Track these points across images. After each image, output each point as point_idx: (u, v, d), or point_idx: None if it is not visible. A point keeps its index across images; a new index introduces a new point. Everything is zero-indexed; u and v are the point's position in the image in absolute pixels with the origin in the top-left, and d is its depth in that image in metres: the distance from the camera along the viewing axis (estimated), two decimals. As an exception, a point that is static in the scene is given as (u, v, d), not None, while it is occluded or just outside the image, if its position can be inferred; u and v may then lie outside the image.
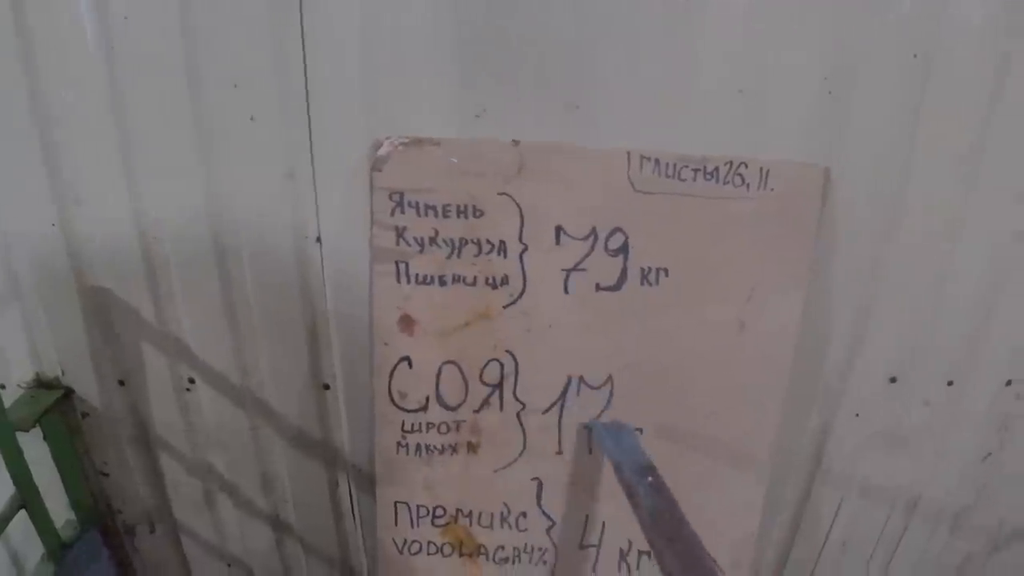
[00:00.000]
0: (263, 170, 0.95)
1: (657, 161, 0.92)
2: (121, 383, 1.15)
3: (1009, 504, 1.42)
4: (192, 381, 1.13)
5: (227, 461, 1.22)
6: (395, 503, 1.06)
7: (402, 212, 0.91)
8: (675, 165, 0.93)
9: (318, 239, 0.99)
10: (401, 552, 1.09)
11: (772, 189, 0.96)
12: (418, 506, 1.06)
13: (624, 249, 0.95)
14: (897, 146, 0.97)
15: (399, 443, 1.02)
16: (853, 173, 0.99)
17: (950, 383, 1.22)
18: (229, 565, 1.37)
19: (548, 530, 1.09)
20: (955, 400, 1.24)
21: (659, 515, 0.81)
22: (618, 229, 0.95)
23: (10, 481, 1.09)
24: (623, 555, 1.13)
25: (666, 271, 0.97)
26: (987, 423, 1.29)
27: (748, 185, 0.95)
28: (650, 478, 0.87)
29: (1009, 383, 1.24)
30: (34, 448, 1.15)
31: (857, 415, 1.21)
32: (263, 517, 1.28)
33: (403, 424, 1.01)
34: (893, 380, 1.19)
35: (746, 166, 0.94)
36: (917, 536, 1.41)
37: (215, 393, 1.14)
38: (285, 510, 1.26)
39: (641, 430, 1.05)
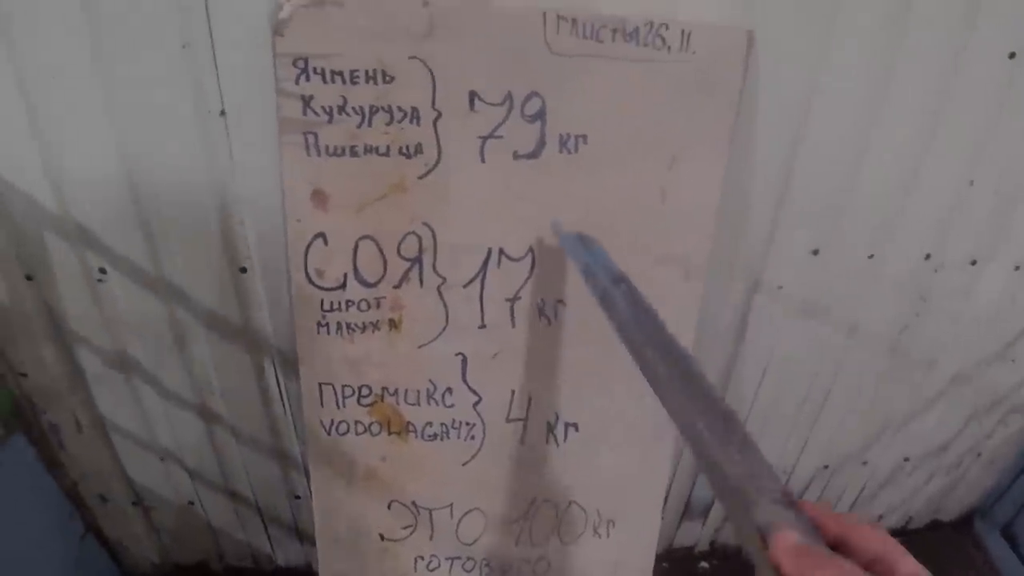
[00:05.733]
0: (157, 40, 0.88)
1: (574, 21, 0.88)
2: (29, 278, 1.09)
3: (923, 372, 1.49)
4: (103, 271, 1.08)
5: (148, 353, 1.18)
6: (319, 384, 1.05)
7: (307, 80, 0.86)
8: (593, 25, 0.89)
9: (222, 112, 0.93)
10: (329, 433, 1.09)
11: (694, 52, 0.93)
12: (343, 386, 1.05)
13: (541, 115, 0.92)
14: (822, 7, 0.95)
15: (319, 323, 1.00)
16: (777, 37, 0.96)
17: (871, 256, 1.24)
18: (162, 459, 1.36)
19: (475, 405, 1.10)
20: (875, 273, 1.26)
21: (638, 319, 0.75)
22: (535, 94, 0.91)
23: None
24: (550, 428, 1.14)
25: (585, 138, 0.95)
26: (905, 296, 1.32)
27: (669, 48, 0.92)
28: (624, 285, 0.81)
29: (928, 257, 1.27)
30: (-58, 351, 1.11)
31: (780, 287, 1.23)
32: (190, 407, 1.26)
33: (322, 303, 0.98)
34: (815, 252, 1.20)
35: (667, 27, 0.91)
36: (837, 404, 1.47)
37: (129, 283, 1.09)
38: (212, 399, 1.24)
39: (563, 302, 1.05)
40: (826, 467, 1.63)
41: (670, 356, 0.66)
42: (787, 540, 0.42)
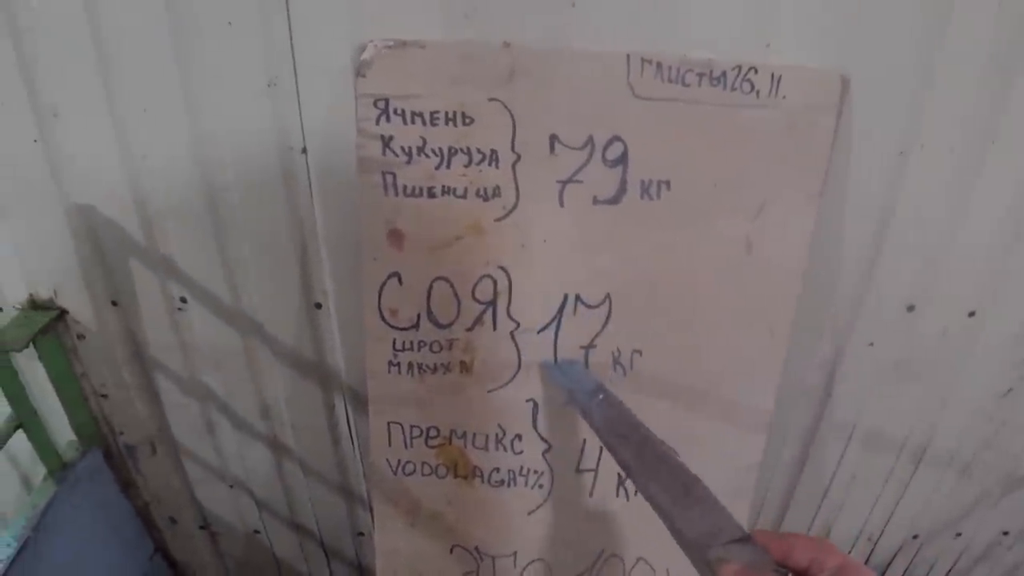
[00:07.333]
0: (244, 79, 0.90)
1: (659, 64, 0.86)
2: (114, 303, 1.13)
3: (1027, 441, 1.38)
4: (184, 300, 1.11)
5: (223, 382, 1.20)
6: (388, 423, 1.04)
7: (387, 120, 0.86)
8: (678, 69, 0.86)
9: (304, 150, 0.94)
10: (395, 473, 1.07)
11: (784, 97, 0.89)
12: (411, 426, 1.04)
13: (623, 160, 0.90)
14: (922, 51, 0.90)
15: (391, 362, 0.99)
16: (873, 82, 0.91)
17: (971, 314, 1.16)
18: (231, 486, 1.37)
19: (544, 453, 1.06)
20: (976, 332, 1.18)
21: (611, 420, 0.85)
22: (616, 138, 0.89)
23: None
24: (621, 480, 1.10)
25: (668, 184, 0.92)
26: (1009, 357, 1.23)
27: (758, 92, 0.89)
28: (601, 395, 0.91)
29: (1035, 316, 1.19)
30: (30, 370, 1.15)
31: (871, 344, 1.16)
32: (262, 439, 1.27)
33: (394, 342, 0.98)
34: (911, 309, 1.13)
35: (756, 71, 0.88)
36: (929, 471, 1.37)
37: (207, 313, 1.11)
38: (283, 432, 1.25)
39: (640, 352, 1.01)
40: (915, 537, 1.53)
41: (642, 446, 0.77)
42: (730, 569, 0.50)
